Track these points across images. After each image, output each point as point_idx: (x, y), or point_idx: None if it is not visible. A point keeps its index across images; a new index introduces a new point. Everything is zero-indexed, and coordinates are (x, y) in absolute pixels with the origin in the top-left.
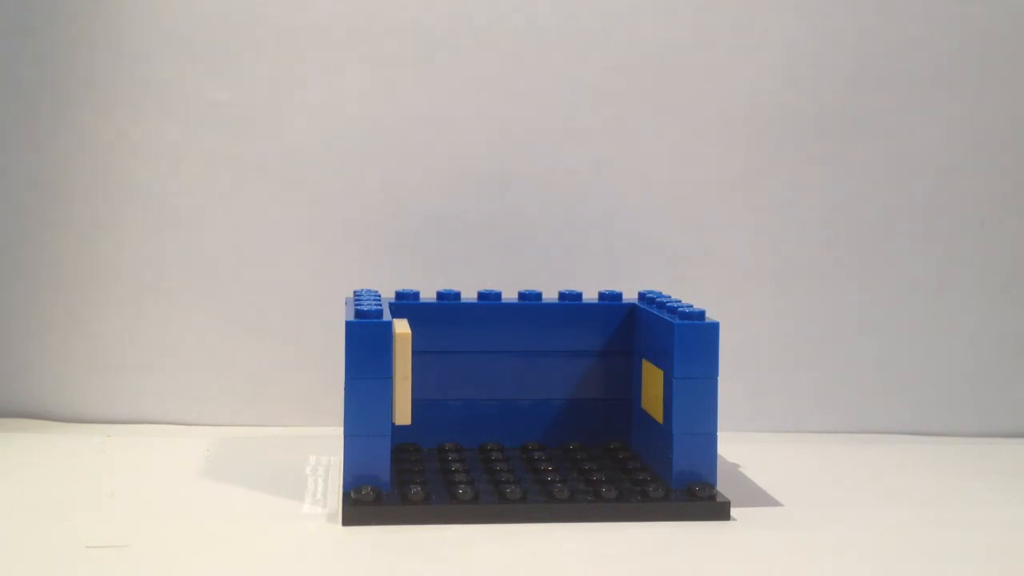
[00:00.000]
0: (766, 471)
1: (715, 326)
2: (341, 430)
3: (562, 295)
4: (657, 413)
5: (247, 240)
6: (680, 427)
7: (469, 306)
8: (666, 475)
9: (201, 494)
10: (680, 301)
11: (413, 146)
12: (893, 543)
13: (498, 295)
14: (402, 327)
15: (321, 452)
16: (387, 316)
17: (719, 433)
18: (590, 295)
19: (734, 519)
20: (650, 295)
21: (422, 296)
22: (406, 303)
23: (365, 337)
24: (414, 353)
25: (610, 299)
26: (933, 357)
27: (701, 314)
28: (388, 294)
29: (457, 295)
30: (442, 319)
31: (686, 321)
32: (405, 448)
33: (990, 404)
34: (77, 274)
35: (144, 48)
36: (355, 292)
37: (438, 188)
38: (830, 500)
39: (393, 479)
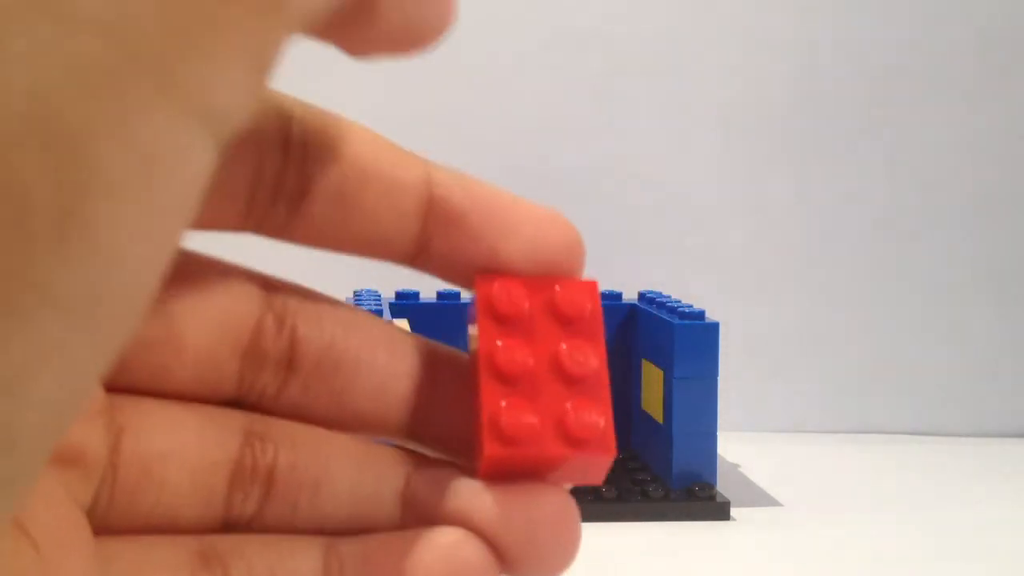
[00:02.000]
0: (766, 471)
1: (715, 326)
2: None
3: None
4: (657, 413)
5: (247, 240)
6: (680, 427)
7: (469, 306)
8: (666, 475)
9: None
10: (680, 301)
11: (413, 146)
12: (892, 543)
13: None
14: (402, 327)
15: None
16: (387, 316)
17: (719, 433)
18: None
19: (734, 519)
20: (650, 295)
21: (422, 296)
22: (406, 303)
23: None
24: None
25: (610, 299)
26: (933, 357)
27: (701, 314)
28: (388, 294)
29: (457, 295)
30: (442, 319)
31: (686, 321)
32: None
33: (990, 404)
34: None
35: None
36: (355, 292)
37: None
38: (830, 500)
39: None
